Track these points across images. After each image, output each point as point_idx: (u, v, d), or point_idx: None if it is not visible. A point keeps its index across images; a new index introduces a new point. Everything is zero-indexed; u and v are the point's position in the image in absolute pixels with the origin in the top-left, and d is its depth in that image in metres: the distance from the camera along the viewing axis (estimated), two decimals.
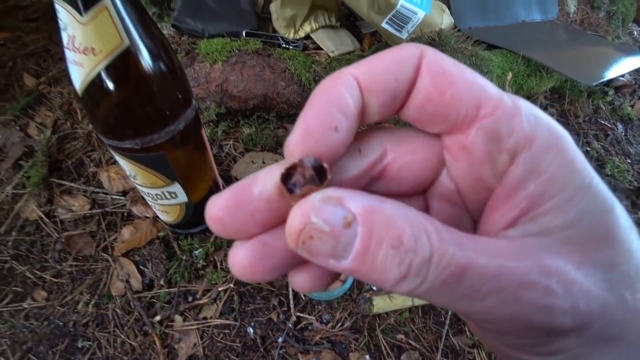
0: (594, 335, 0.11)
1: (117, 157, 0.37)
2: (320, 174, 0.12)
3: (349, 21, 0.77)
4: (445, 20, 0.63)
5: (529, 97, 0.86)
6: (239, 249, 0.13)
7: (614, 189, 0.75)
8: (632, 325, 0.12)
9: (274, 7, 0.65)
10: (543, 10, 1.05)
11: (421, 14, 0.59)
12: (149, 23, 0.31)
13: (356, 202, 0.11)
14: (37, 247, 0.53)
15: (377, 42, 0.75)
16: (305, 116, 0.12)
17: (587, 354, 0.12)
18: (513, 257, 0.11)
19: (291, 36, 0.65)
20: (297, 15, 0.63)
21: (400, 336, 0.47)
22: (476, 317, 0.12)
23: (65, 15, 0.27)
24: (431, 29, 0.60)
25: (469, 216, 0.15)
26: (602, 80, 0.77)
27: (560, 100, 0.90)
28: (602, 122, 0.91)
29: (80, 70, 0.29)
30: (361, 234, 0.10)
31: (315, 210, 0.11)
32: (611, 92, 0.97)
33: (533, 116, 0.12)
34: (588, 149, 0.81)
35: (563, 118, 0.88)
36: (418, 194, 0.16)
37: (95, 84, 0.30)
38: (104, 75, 0.29)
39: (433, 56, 0.13)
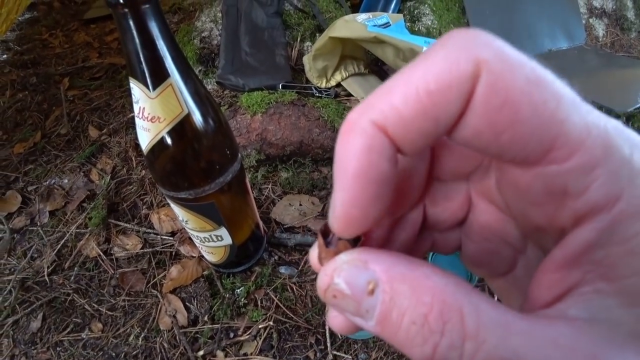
0: None
1: (173, 205, 0.41)
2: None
3: (377, 66, 0.81)
4: None
5: None
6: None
7: None
8: None
9: (306, 60, 0.71)
10: (570, 37, 1.05)
11: None
12: (203, 92, 0.36)
13: (383, 267, 0.10)
14: (95, 282, 0.58)
15: None
16: (341, 201, 0.10)
17: None
18: (576, 353, 0.09)
19: (323, 85, 0.70)
20: (328, 66, 0.68)
21: None
22: None
23: (138, 91, 0.33)
24: None
25: (511, 246, 0.14)
26: (637, 106, 0.75)
27: None
28: None
29: (147, 134, 0.34)
30: (381, 302, 0.10)
31: (339, 271, 0.10)
32: None
33: (628, 167, 0.09)
34: None
35: None
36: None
37: (159, 145, 0.35)
38: (166, 138, 0.34)
39: (493, 76, 0.09)
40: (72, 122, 0.84)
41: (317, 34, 0.76)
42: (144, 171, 0.70)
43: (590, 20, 1.09)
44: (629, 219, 0.09)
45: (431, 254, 0.54)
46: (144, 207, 0.66)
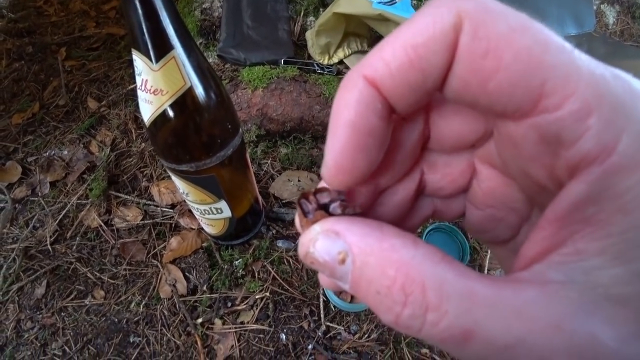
0: None
1: (174, 177, 0.43)
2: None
3: None
4: None
5: None
6: None
7: None
8: None
9: (309, 35, 0.71)
10: (579, 24, 1.04)
11: None
12: (205, 65, 0.37)
13: (354, 238, 0.11)
14: (96, 252, 0.60)
15: None
16: (331, 149, 0.11)
17: None
18: (538, 323, 0.09)
19: (326, 62, 0.71)
20: (331, 43, 0.68)
21: (424, 350, 0.50)
22: None
23: (140, 63, 0.34)
24: None
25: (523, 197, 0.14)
26: None
27: None
28: None
29: (149, 107, 0.35)
30: (351, 271, 0.10)
31: (313, 241, 0.11)
32: None
33: (625, 115, 0.09)
34: None
35: None
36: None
37: (161, 118, 0.36)
38: (168, 110, 0.35)
39: (475, 25, 0.09)
40: (71, 94, 0.85)
41: (321, 9, 0.76)
42: (143, 144, 0.72)
43: (602, 6, 1.08)
44: (622, 171, 0.09)
45: (426, 232, 0.56)
46: (144, 179, 0.67)
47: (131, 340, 0.51)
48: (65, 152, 0.74)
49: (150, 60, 0.33)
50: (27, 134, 0.79)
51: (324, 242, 0.11)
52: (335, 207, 0.12)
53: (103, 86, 0.85)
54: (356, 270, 0.10)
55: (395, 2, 0.65)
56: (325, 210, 0.12)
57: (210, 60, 0.72)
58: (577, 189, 0.09)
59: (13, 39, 1.04)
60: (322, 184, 0.13)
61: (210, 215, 0.48)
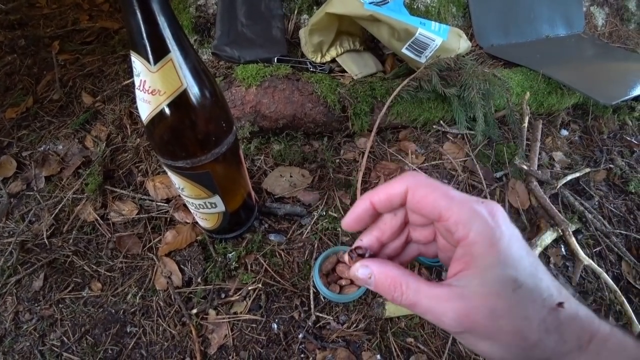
0: (478, 335, 0.22)
1: (169, 173, 0.45)
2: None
3: (372, 43, 0.83)
4: (462, 45, 0.68)
5: (550, 115, 0.89)
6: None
7: (638, 207, 0.77)
8: (498, 335, 0.21)
9: (302, 34, 0.73)
10: (569, 24, 1.07)
11: (439, 41, 0.65)
12: (200, 67, 0.39)
13: (374, 268, 0.25)
14: (93, 245, 0.62)
15: (399, 62, 0.81)
16: (349, 215, 0.27)
17: (475, 342, 0.22)
18: (443, 300, 0.22)
19: (318, 60, 0.73)
20: (324, 42, 0.70)
21: (409, 339, 0.53)
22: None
23: (139, 65, 0.35)
24: (448, 54, 0.65)
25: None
26: (622, 100, 0.79)
27: (583, 116, 0.93)
28: (628, 138, 0.92)
29: (147, 106, 0.37)
30: (374, 282, 0.24)
31: (356, 270, 0.25)
32: (639, 107, 0.98)
33: (470, 223, 0.22)
34: (611, 165, 0.83)
35: (586, 134, 0.90)
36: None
37: (158, 117, 0.38)
38: (165, 110, 0.37)
39: (412, 190, 0.24)
40: (65, 88, 0.86)
41: (315, 7, 0.78)
42: (138, 139, 0.73)
43: (592, 8, 1.10)
44: (472, 245, 0.22)
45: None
46: (139, 174, 0.69)
47: (128, 330, 0.53)
48: (60, 147, 0.76)
49: (149, 62, 0.35)
50: (21, 128, 0.80)
51: (362, 270, 0.25)
52: (366, 254, 0.27)
53: (97, 81, 0.87)
54: (376, 280, 0.24)
55: (387, 2, 0.67)
56: (360, 256, 0.26)
57: (204, 57, 0.74)
58: (458, 250, 0.23)
59: (5, 32, 1.04)
60: (357, 244, 0.27)
61: (205, 209, 0.50)
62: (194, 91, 0.38)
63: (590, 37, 1.08)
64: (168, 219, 0.63)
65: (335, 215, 0.63)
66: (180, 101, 0.37)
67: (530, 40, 1.00)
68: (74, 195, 0.68)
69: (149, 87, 0.36)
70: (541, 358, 0.21)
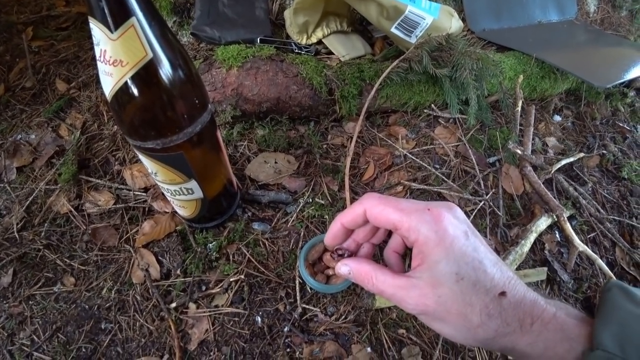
0: (432, 317, 0.26)
1: (140, 156, 0.41)
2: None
3: (361, 25, 0.80)
4: (454, 24, 0.65)
5: (543, 100, 0.87)
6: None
7: (631, 193, 0.75)
8: (447, 317, 0.26)
9: (287, 14, 0.69)
10: (561, 10, 1.05)
11: (429, 19, 0.62)
12: (170, 37, 0.35)
13: (351, 265, 0.30)
14: (66, 238, 0.58)
15: (388, 45, 0.78)
16: (328, 234, 0.32)
17: (432, 322, 0.27)
18: (402, 288, 0.26)
19: (304, 42, 0.69)
20: (309, 22, 0.67)
21: (401, 331, 0.50)
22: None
23: (98, 32, 0.32)
24: (439, 33, 0.62)
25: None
26: (616, 83, 0.77)
27: (576, 102, 0.91)
28: (621, 124, 0.90)
29: (110, 79, 0.34)
30: (353, 276, 0.30)
31: (339, 268, 0.30)
32: (631, 93, 0.96)
33: (419, 229, 0.26)
34: (604, 151, 0.81)
35: (579, 120, 0.88)
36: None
37: (123, 91, 0.34)
38: (130, 83, 0.34)
39: (369, 210, 0.28)
40: (38, 75, 0.81)
41: None
42: (115, 126, 0.69)
43: None
44: (423, 245, 0.26)
45: None
46: (116, 163, 0.65)
47: (103, 326, 0.50)
48: (33, 136, 0.71)
49: (109, 28, 0.31)
50: None
51: (342, 267, 0.30)
52: (345, 254, 0.33)
53: (73, 67, 0.82)
54: (354, 274, 0.30)
55: None
56: (341, 256, 0.33)
57: (184, 39, 0.70)
58: (414, 249, 0.27)
59: None
60: (337, 246, 0.33)
61: (181, 196, 0.46)
62: (161, 61, 0.34)
63: (582, 23, 1.06)
64: (146, 209, 0.59)
65: (322, 202, 0.60)
66: (145, 73, 0.33)
67: (523, 25, 0.97)
68: (47, 186, 0.64)
69: (110, 57, 0.32)
70: (486, 337, 0.25)
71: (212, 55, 0.64)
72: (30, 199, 0.62)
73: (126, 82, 0.34)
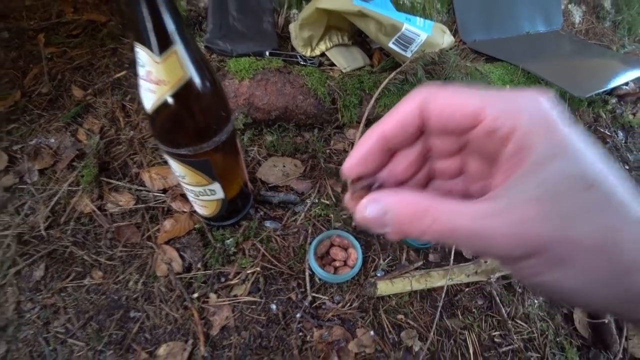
0: (546, 259, 0.16)
1: (171, 161, 0.47)
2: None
3: (360, 37, 0.87)
4: (446, 40, 0.72)
5: None
6: None
7: None
8: (575, 255, 0.16)
9: (292, 28, 0.75)
10: (548, 21, 1.13)
11: (424, 36, 0.69)
12: (202, 59, 0.42)
13: (389, 200, 0.19)
14: (91, 235, 0.64)
15: (385, 56, 0.85)
16: (351, 155, 0.22)
17: (543, 270, 0.16)
18: (487, 216, 0.16)
19: (308, 54, 0.75)
20: (313, 36, 0.73)
21: (400, 316, 0.57)
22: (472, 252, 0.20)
23: (144, 56, 0.38)
24: (433, 49, 0.69)
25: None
26: (596, 92, 0.85)
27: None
28: (602, 130, 0.98)
29: (152, 95, 0.40)
30: (393, 218, 0.18)
31: (363, 209, 0.19)
32: (613, 100, 1.04)
33: (517, 114, 0.17)
34: None
35: None
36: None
37: (163, 106, 0.40)
38: (170, 100, 0.40)
39: (433, 104, 0.19)
40: (53, 81, 0.86)
41: (304, 1, 0.80)
42: (132, 132, 0.75)
43: (569, 6, 1.16)
44: (526, 135, 0.17)
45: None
46: (134, 166, 0.71)
47: (131, 315, 0.55)
48: (52, 140, 0.77)
49: (154, 53, 0.37)
50: (11, 122, 0.80)
51: (371, 207, 0.19)
52: (374, 185, 0.21)
53: (87, 74, 0.87)
54: (396, 214, 0.18)
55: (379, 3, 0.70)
56: (367, 188, 0.21)
57: None
58: (505, 153, 0.18)
59: None
60: (355, 176, 0.22)
61: (205, 196, 0.52)
62: (196, 81, 0.40)
63: (567, 33, 1.14)
64: (165, 209, 0.65)
65: (327, 202, 0.66)
66: (184, 91, 0.40)
67: (511, 35, 1.05)
68: (69, 188, 0.69)
69: (154, 77, 0.38)
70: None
71: (224, 66, 0.70)
72: (55, 199, 0.68)
73: (167, 99, 0.40)
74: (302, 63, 0.73)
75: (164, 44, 0.37)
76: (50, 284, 0.59)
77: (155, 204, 0.66)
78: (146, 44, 0.37)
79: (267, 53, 0.72)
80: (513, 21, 1.07)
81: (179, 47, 0.38)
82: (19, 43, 0.98)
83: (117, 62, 0.88)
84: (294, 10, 0.80)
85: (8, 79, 0.90)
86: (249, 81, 0.66)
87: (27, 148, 0.75)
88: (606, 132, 0.98)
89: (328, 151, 0.74)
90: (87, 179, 0.68)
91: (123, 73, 0.83)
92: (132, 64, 0.87)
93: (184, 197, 0.65)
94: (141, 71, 0.39)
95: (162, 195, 0.66)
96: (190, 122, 0.42)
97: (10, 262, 0.61)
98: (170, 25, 0.37)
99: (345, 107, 0.72)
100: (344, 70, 0.75)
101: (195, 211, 0.61)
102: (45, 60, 0.91)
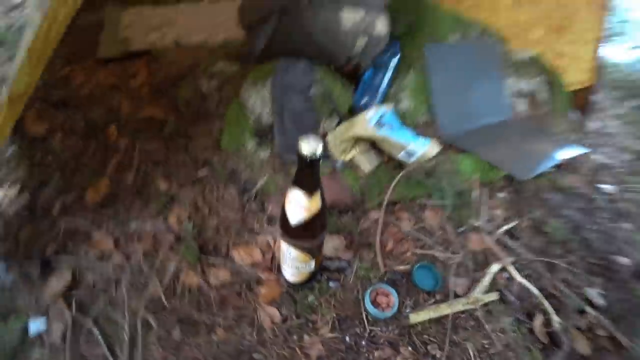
0: None
1: (292, 249, 0.88)
2: None
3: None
4: (434, 149, 1.22)
5: (492, 182, 1.45)
6: None
7: (551, 241, 1.33)
8: None
9: (330, 139, 1.21)
10: (499, 113, 1.67)
11: (421, 150, 1.18)
12: (322, 191, 0.84)
13: None
14: (203, 303, 0.99)
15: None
16: None
17: None
18: None
19: (342, 158, 1.21)
20: (347, 147, 1.19)
21: (425, 336, 0.99)
22: None
23: (300, 195, 0.80)
24: (428, 156, 1.18)
25: None
26: (535, 173, 1.38)
27: (511, 182, 1.51)
28: (544, 195, 1.52)
29: (301, 216, 0.81)
30: None
31: None
32: (553, 170, 1.59)
33: None
34: (532, 216, 1.39)
35: (516, 195, 1.47)
36: None
37: (305, 221, 0.82)
38: (309, 217, 0.81)
39: None
40: (137, 173, 1.21)
41: (334, 113, 1.27)
42: (216, 219, 1.13)
43: (516, 99, 1.73)
44: None
45: (415, 268, 1.07)
46: (224, 247, 1.09)
47: (255, 357, 0.91)
48: (149, 226, 1.12)
49: (307, 195, 0.79)
50: (106, 208, 1.14)
51: None
52: None
53: (167, 168, 1.24)
54: None
55: (386, 114, 1.18)
56: None
57: (262, 155, 1.18)
58: None
59: (55, 111, 1.33)
60: None
61: (303, 269, 0.93)
62: (322, 206, 0.83)
63: (514, 121, 1.69)
64: (257, 279, 1.03)
65: (366, 266, 1.09)
66: (318, 212, 0.82)
67: (474, 127, 1.58)
68: (176, 264, 1.05)
69: (305, 206, 0.80)
70: None
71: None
72: (167, 275, 1.03)
73: (309, 218, 0.81)
74: (337, 165, 1.19)
75: (314, 190, 0.79)
76: (187, 341, 0.93)
77: (248, 275, 1.04)
78: (304, 190, 0.79)
79: None
80: (474, 116, 1.60)
81: (319, 191, 0.80)
82: (93, 133, 1.31)
83: (194, 158, 1.26)
84: (329, 121, 1.25)
85: (91, 168, 1.23)
86: None
87: (129, 231, 1.10)
88: (547, 196, 1.52)
89: (360, 229, 1.17)
90: (191, 259, 1.04)
91: (205, 174, 1.22)
92: (208, 163, 1.25)
93: (269, 268, 1.04)
94: (295, 199, 0.81)
95: (252, 268, 1.05)
96: (316, 228, 0.84)
97: (146, 327, 0.94)
98: (319, 182, 0.79)
99: (370, 196, 1.17)
100: (366, 172, 1.21)
101: (280, 278, 1.00)
102: (122, 152, 1.26)
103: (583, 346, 1.00)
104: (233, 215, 1.14)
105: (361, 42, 1.21)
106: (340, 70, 1.32)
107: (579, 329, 1.03)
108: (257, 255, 1.06)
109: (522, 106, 1.76)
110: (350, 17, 1.17)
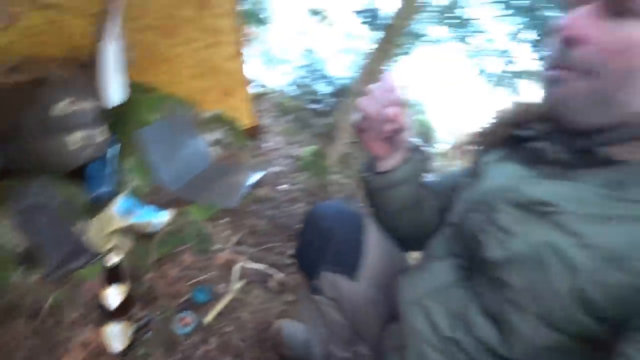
0: None
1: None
2: None
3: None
4: (167, 218, 1.94)
5: (215, 217, 2.27)
6: None
7: (266, 234, 2.28)
8: None
9: (91, 235, 1.74)
10: (204, 161, 2.49)
11: (163, 220, 1.87)
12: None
13: None
14: None
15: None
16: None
17: None
18: None
19: (104, 248, 1.76)
20: (106, 240, 1.75)
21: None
22: None
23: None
24: (166, 223, 1.89)
25: None
26: (240, 199, 2.28)
27: (228, 211, 2.37)
28: (251, 208, 2.46)
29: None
30: None
31: None
32: (250, 190, 2.55)
33: None
34: (248, 225, 2.31)
35: (233, 218, 2.35)
36: None
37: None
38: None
39: None
40: None
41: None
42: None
43: (211, 148, 2.59)
44: None
45: None
46: None
47: None
48: None
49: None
50: None
51: None
52: None
53: None
54: None
55: (134, 211, 1.81)
56: None
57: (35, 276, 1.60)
58: None
59: None
60: None
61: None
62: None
63: (215, 165, 2.57)
64: None
65: (164, 309, 1.73)
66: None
67: (190, 177, 2.35)
68: None
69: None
70: None
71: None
72: None
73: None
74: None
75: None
76: None
77: None
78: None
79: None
80: (188, 169, 2.38)
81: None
82: None
83: None
84: (81, 221, 1.76)
85: None
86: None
87: None
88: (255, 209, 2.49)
89: (143, 289, 1.78)
90: None
91: None
92: None
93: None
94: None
95: None
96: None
97: None
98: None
99: (141, 264, 1.79)
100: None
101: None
102: None
103: None
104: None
105: (88, 152, 1.78)
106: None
107: None
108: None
109: (216, 152, 2.68)
110: (75, 139, 1.72)
